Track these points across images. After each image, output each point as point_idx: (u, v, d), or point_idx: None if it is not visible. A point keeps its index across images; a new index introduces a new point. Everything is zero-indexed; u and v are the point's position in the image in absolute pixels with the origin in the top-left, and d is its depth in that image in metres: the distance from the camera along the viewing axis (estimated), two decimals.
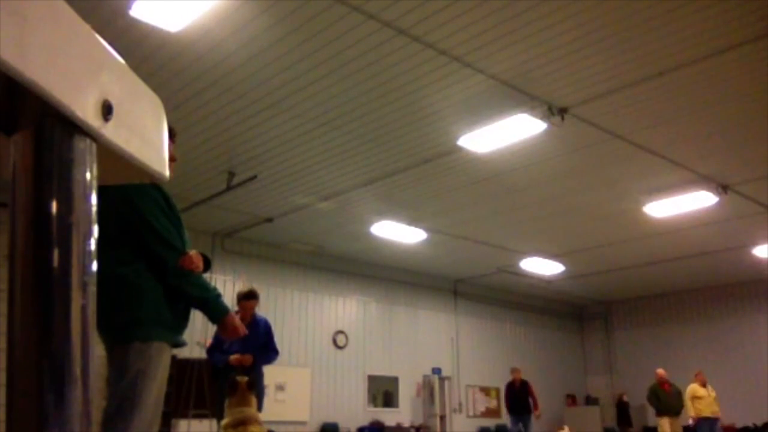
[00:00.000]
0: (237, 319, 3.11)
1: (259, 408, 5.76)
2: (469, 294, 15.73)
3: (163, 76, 6.59)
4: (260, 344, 6.53)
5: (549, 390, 16.57)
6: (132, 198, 2.86)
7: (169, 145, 2.65)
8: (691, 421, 11.78)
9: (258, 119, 7.66)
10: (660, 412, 12.00)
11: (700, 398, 11.63)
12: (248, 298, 6.57)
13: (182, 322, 2.98)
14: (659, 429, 12.07)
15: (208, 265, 3.07)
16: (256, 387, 6.22)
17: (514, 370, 12.98)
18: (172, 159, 2.97)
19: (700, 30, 6.13)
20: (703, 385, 11.80)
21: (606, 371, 17.65)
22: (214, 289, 3.03)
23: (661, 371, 12.27)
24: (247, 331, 3.28)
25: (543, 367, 16.69)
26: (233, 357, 6.20)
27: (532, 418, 12.44)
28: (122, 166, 0.67)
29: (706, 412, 11.54)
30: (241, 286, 9.72)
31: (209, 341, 6.77)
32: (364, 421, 13.21)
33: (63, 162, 0.59)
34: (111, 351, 2.72)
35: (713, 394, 11.79)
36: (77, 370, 0.57)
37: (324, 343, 13.17)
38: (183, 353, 8.29)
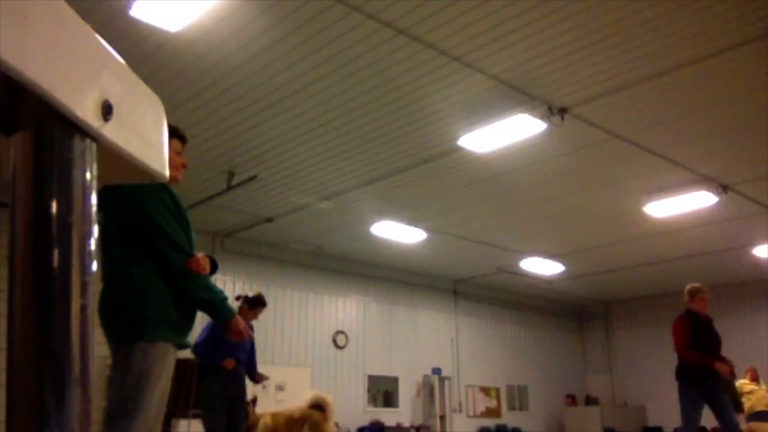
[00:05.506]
0: (242, 322, 3.13)
1: (241, 416, 5.77)
2: (469, 294, 15.72)
3: (163, 76, 6.59)
4: (249, 349, 6.56)
5: (549, 390, 16.58)
6: (140, 199, 2.86)
7: (179, 151, 2.66)
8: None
9: (258, 119, 7.66)
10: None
11: (750, 393, 10.98)
12: (264, 305, 6.60)
13: (188, 323, 2.98)
14: None
15: (215, 268, 3.08)
16: (242, 398, 6.21)
17: (696, 291, 7.35)
18: (183, 165, 2.99)
19: (700, 30, 6.13)
20: (755, 381, 11.14)
21: (606, 371, 17.64)
22: (221, 291, 3.04)
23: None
24: (252, 334, 3.31)
25: (543, 367, 16.69)
26: (228, 361, 6.13)
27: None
28: (122, 166, 0.67)
29: (760, 406, 10.84)
30: (241, 287, 9.71)
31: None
32: (364, 421, 13.19)
33: (63, 162, 0.59)
34: (116, 350, 2.72)
35: (765, 386, 11.12)
36: (77, 370, 0.57)
37: (324, 343, 13.16)
38: (183, 353, 8.26)
